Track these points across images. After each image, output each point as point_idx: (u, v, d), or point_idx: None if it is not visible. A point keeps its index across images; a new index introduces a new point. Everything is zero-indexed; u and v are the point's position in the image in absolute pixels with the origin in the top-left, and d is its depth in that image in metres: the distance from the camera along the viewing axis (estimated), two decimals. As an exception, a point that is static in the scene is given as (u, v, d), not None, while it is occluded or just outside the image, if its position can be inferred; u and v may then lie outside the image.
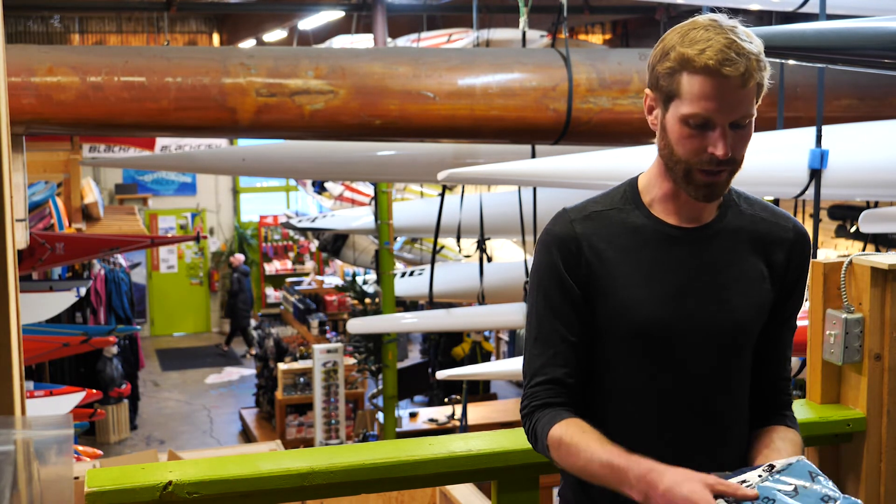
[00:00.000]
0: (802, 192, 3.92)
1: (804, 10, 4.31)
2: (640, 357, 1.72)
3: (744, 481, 1.53)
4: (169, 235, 14.93)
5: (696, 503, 1.48)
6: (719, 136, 1.59)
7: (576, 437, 1.65)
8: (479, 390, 10.90)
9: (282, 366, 10.37)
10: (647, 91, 1.68)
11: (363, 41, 9.76)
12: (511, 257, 9.85)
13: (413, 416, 9.52)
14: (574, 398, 1.73)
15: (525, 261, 6.58)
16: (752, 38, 1.59)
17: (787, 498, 1.51)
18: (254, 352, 14.44)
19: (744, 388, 1.79)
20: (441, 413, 9.55)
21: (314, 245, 15.50)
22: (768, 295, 1.76)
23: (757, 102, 1.64)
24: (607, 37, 12.00)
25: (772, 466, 1.57)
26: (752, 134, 1.64)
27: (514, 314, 6.42)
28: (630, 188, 1.76)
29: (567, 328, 1.71)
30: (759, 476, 1.54)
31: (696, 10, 5.05)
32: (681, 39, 1.60)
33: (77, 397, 5.95)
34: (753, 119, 1.63)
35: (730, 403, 1.77)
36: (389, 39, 9.05)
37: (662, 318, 1.70)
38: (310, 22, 10.65)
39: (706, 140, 1.60)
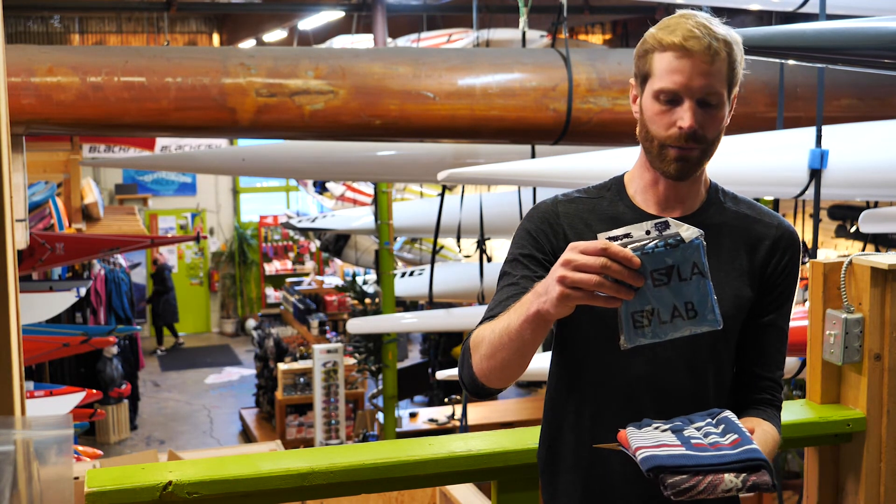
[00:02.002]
0: (802, 192, 3.92)
1: (804, 10, 4.31)
2: (611, 340, 1.70)
3: (627, 234, 1.47)
4: (169, 235, 14.93)
5: (582, 247, 1.43)
6: (686, 109, 1.66)
7: (493, 321, 1.63)
8: (479, 390, 10.88)
9: (282, 366, 10.37)
10: (631, 81, 1.77)
11: (363, 41, 9.76)
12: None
13: (413, 416, 9.52)
14: None
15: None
16: (727, 29, 1.68)
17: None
18: (180, 341, 14.78)
19: (722, 380, 1.79)
20: (441, 413, 9.55)
21: (314, 245, 15.51)
22: (747, 290, 1.77)
23: (733, 90, 1.70)
24: (607, 37, 12.00)
25: (665, 225, 1.48)
26: (725, 117, 1.70)
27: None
28: (616, 181, 1.83)
29: (525, 279, 1.72)
30: (647, 232, 1.47)
31: (696, 10, 5.06)
32: (657, 27, 1.70)
33: (77, 397, 5.94)
34: (725, 102, 1.68)
35: (699, 389, 1.76)
36: (389, 39, 9.05)
37: None
38: (310, 22, 10.65)
39: (675, 115, 1.67)
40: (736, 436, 1.56)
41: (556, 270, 1.45)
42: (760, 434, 1.71)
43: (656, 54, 1.67)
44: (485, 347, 1.62)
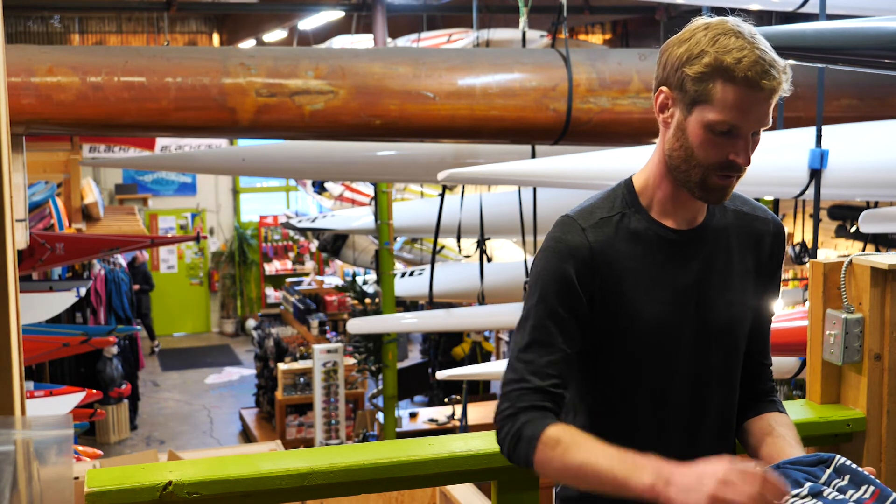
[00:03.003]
0: (802, 192, 3.92)
1: (804, 10, 4.31)
2: (645, 360, 1.75)
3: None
4: (169, 235, 14.92)
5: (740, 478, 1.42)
6: (743, 145, 1.62)
7: (578, 436, 1.61)
8: (479, 390, 10.90)
9: (282, 366, 10.37)
10: (664, 89, 1.67)
11: (363, 41, 9.76)
12: (511, 257, 9.86)
13: (413, 416, 9.52)
14: (561, 410, 1.69)
15: (525, 261, 6.58)
16: (770, 47, 1.62)
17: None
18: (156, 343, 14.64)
19: (738, 380, 1.85)
20: (441, 413, 9.55)
21: (314, 245, 15.50)
22: (758, 288, 1.82)
23: None
24: (607, 37, 12.00)
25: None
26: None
27: (514, 314, 6.41)
28: (628, 192, 1.77)
29: (566, 340, 1.68)
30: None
31: (696, 10, 5.06)
32: (711, 44, 1.59)
33: (77, 397, 5.94)
34: None
35: (727, 397, 1.83)
36: (389, 39, 9.05)
37: (667, 322, 1.73)
38: (310, 22, 10.65)
39: (728, 147, 1.63)
40: (872, 487, 1.57)
41: (708, 484, 1.42)
42: (793, 436, 1.79)
43: (720, 83, 1.59)
44: (559, 459, 1.59)
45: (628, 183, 1.79)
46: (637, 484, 1.49)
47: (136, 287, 13.55)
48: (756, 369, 1.88)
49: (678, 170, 1.68)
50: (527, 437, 1.63)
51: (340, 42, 10.17)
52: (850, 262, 2.15)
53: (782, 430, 1.79)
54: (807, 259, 6.25)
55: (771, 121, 1.64)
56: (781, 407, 1.89)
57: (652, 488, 1.48)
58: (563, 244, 1.71)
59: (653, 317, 1.72)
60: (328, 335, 11.39)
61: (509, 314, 6.51)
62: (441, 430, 9.11)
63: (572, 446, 1.59)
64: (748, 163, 1.64)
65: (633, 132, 4.86)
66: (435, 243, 7.32)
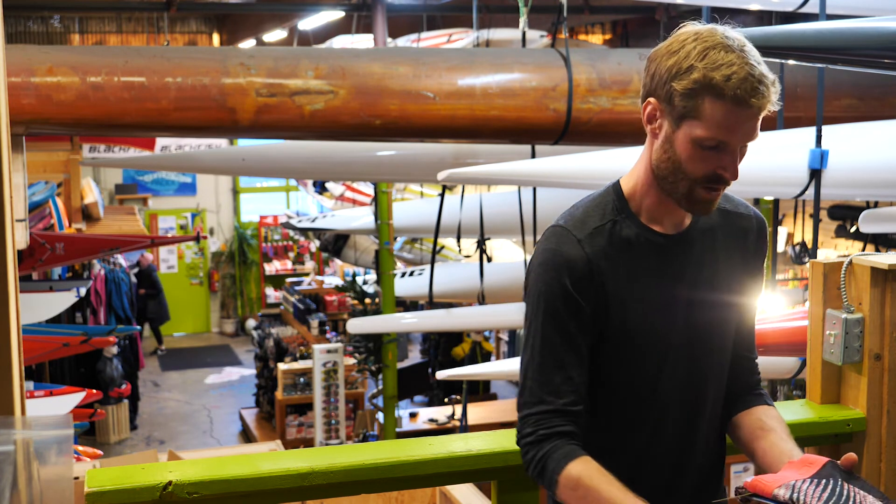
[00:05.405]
0: (802, 192, 3.92)
1: (804, 10, 4.31)
2: (640, 365, 1.75)
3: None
4: (169, 235, 14.92)
5: None
6: (732, 160, 1.63)
7: (595, 480, 1.63)
8: (479, 390, 10.90)
9: (282, 366, 10.37)
10: (652, 100, 1.66)
11: (363, 41, 9.76)
12: (511, 257, 9.86)
13: (413, 416, 9.52)
14: (581, 427, 1.71)
15: (525, 261, 6.58)
16: (760, 59, 1.60)
17: None
18: (163, 348, 14.63)
19: (727, 376, 1.87)
20: (441, 413, 9.55)
21: (314, 245, 15.50)
22: (743, 284, 1.84)
23: None
24: (607, 37, 11.99)
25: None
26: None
27: (514, 314, 6.42)
28: (617, 198, 1.77)
29: (577, 355, 1.70)
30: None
31: (696, 10, 5.05)
32: (700, 58, 1.58)
33: (77, 397, 5.94)
34: None
35: (718, 392, 1.85)
36: (389, 39, 9.05)
37: (659, 325, 1.74)
38: (310, 22, 10.65)
39: (716, 161, 1.63)
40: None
41: None
42: (784, 429, 1.79)
43: (709, 100, 1.58)
44: (579, 502, 1.63)
45: (617, 188, 1.78)
46: None
47: (142, 291, 13.53)
48: (742, 363, 1.89)
49: (665, 181, 1.69)
50: (549, 471, 1.67)
51: (340, 42, 10.17)
52: (850, 262, 2.15)
53: (773, 424, 1.80)
54: (807, 259, 6.25)
55: (759, 134, 1.64)
56: (769, 400, 1.90)
57: None
58: (561, 258, 1.70)
59: (645, 321, 1.73)
60: (328, 335, 11.39)
61: (509, 314, 6.51)
62: (441, 430, 9.11)
63: (591, 492, 1.62)
64: (735, 177, 1.64)
65: (633, 132, 4.85)
66: (435, 243, 7.32)
